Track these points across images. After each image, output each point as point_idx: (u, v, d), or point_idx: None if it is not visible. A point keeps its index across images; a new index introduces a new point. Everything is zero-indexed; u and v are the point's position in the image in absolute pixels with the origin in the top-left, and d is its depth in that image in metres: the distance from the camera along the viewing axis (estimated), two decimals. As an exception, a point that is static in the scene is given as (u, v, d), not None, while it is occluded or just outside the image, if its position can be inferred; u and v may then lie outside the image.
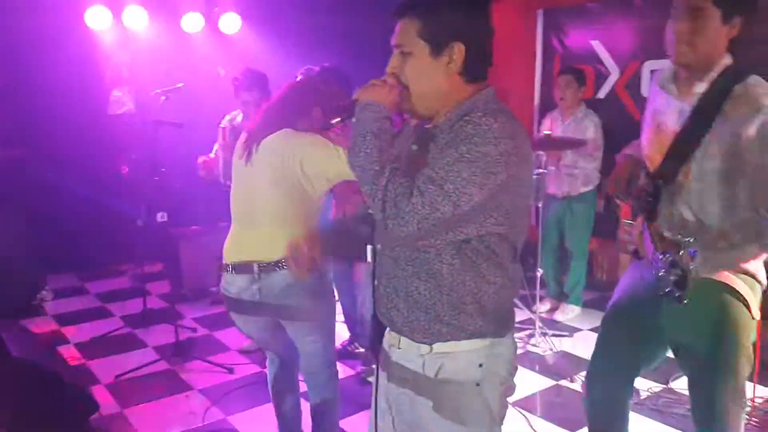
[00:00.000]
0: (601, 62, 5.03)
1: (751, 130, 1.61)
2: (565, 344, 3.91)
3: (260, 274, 2.18)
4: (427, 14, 1.32)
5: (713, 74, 1.70)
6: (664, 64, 4.71)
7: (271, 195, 2.19)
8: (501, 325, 1.41)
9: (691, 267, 1.55)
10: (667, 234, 1.73)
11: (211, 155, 3.28)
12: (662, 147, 1.80)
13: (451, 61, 1.33)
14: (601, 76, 5.03)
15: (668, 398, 3.17)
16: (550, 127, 4.29)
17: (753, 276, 1.77)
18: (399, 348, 1.45)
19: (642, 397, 3.17)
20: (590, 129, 4.07)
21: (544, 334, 3.90)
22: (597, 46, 5.04)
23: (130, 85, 5.44)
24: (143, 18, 5.05)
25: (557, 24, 5.35)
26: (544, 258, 4.35)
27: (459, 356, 1.38)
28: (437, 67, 1.34)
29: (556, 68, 5.18)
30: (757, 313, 1.79)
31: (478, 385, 1.38)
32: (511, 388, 1.47)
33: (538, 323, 3.92)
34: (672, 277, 1.59)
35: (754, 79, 1.67)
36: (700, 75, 1.72)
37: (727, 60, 1.71)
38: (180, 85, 3.97)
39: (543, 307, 4.42)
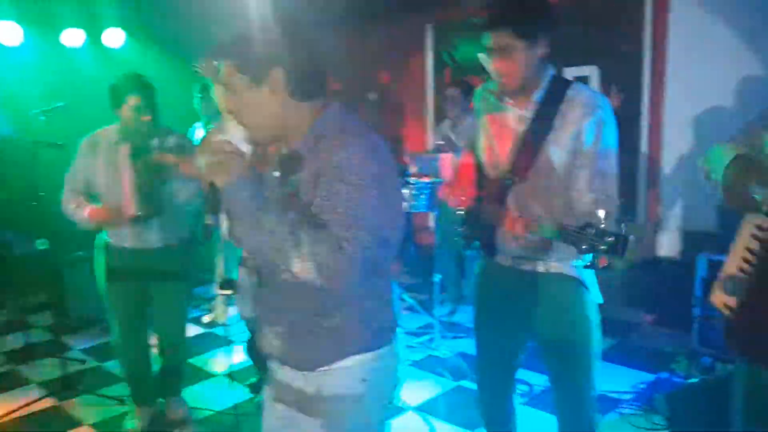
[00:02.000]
0: (489, 75, 5.27)
1: (587, 127, 1.81)
2: (465, 345, 4.04)
3: None
4: (238, 52, 1.31)
5: (544, 83, 1.89)
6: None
7: None
8: (383, 337, 1.42)
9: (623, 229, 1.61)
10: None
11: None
12: (505, 151, 1.94)
13: (274, 87, 1.32)
14: (489, 88, 5.28)
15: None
16: (444, 136, 4.46)
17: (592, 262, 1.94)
18: (281, 368, 1.45)
19: (536, 392, 3.33)
20: (478, 138, 4.26)
21: (444, 337, 4.02)
22: (484, 59, 5.28)
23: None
24: (18, 33, 4.77)
25: (447, 38, 5.57)
26: (443, 263, 4.49)
27: (341, 372, 1.37)
28: (262, 96, 1.32)
29: (447, 81, 5.38)
30: (599, 297, 1.98)
31: (361, 399, 1.39)
32: (391, 399, 1.50)
33: (438, 327, 4.03)
34: (604, 247, 1.59)
35: (579, 85, 1.90)
36: (533, 87, 1.89)
37: (551, 70, 1.91)
38: (61, 104, 3.75)
39: (444, 311, 4.56)
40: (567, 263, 1.91)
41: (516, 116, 1.93)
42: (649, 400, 3.15)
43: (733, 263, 1.55)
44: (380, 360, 1.40)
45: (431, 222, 4.08)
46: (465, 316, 4.53)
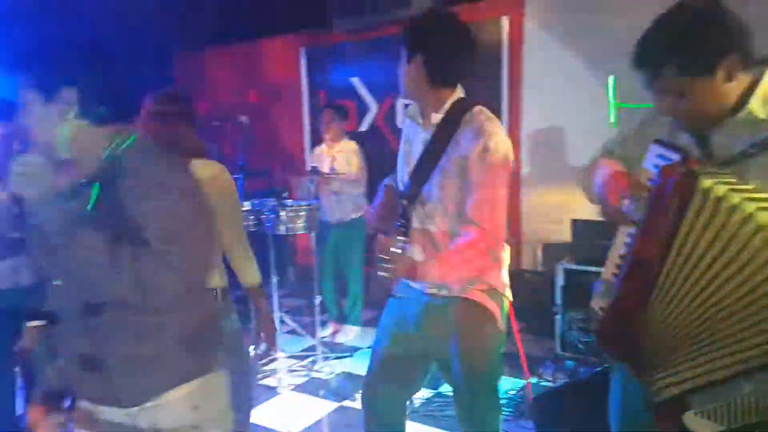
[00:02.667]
0: (360, 97, 5.41)
1: (475, 152, 1.82)
2: (347, 365, 4.06)
3: None
4: (33, 70, 1.27)
5: (446, 106, 1.89)
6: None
7: None
8: (210, 359, 1.39)
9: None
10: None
11: None
12: (409, 172, 1.97)
13: (67, 108, 1.28)
14: (362, 111, 5.41)
15: (439, 402, 3.47)
16: (318, 158, 4.50)
17: (498, 291, 1.96)
18: (107, 409, 1.37)
19: (416, 405, 3.42)
20: (353, 159, 4.34)
21: (327, 358, 4.02)
22: (356, 82, 5.41)
23: None
24: None
25: (320, 61, 5.64)
26: (323, 284, 4.50)
27: (172, 405, 1.33)
28: (52, 115, 1.28)
29: (322, 103, 5.44)
30: (503, 326, 1.99)
31: (198, 428, 1.35)
32: (232, 422, 1.47)
33: (320, 348, 4.02)
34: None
35: (479, 108, 1.90)
36: (436, 108, 1.90)
37: (459, 94, 1.92)
38: None
39: (326, 332, 4.57)
40: (470, 288, 1.91)
41: (422, 138, 1.95)
42: (519, 405, 3.35)
43: (608, 269, 1.58)
44: (211, 384, 1.38)
45: (311, 243, 4.08)
46: (346, 336, 4.57)
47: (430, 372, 2.14)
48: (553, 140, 4.56)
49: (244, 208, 3.64)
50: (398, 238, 1.91)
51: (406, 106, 2.14)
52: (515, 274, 4.70)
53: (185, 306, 1.31)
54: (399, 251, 1.89)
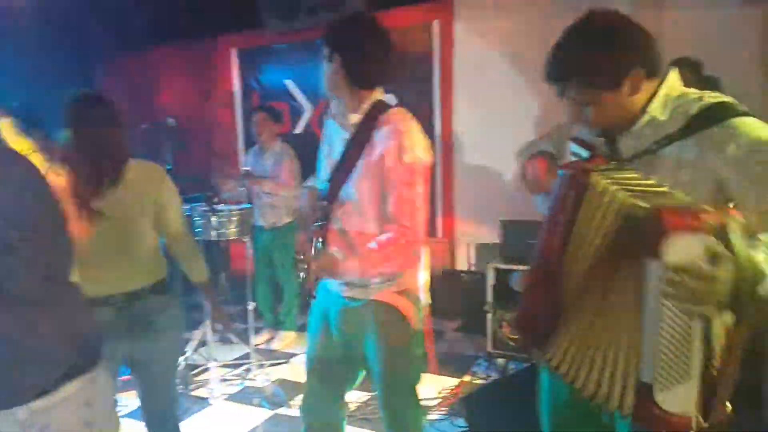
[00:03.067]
0: (295, 99, 5.36)
1: (391, 151, 1.84)
2: (283, 372, 4.01)
3: None
4: None
5: (365, 107, 1.92)
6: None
7: None
8: (94, 354, 1.37)
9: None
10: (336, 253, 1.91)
11: None
12: (330, 172, 1.99)
13: None
14: (297, 113, 5.37)
15: (375, 405, 3.47)
16: (253, 160, 4.42)
17: (412, 292, 1.99)
18: None
19: (351, 409, 3.41)
20: (287, 162, 4.29)
21: (261, 366, 3.95)
22: (290, 84, 5.36)
23: None
24: None
25: (252, 63, 5.55)
26: (257, 289, 4.42)
27: (64, 403, 1.28)
28: None
29: (255, 105, 5.36)
30: (419, 326, 2.00)
31: (91, 425, 1.32)
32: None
33: (255, 355, 3.95)
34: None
35: (396, 109, 1.93)
36: (355, 108, 1.92)
37: (378, 95, 1.94)
38: None
39: (261, 338, 4.49)
40: (384, 289, 1.92)
41: (341, 138, 1.97)
42: (453, 404, 3.40)
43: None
44: (100, 379, 1.35)
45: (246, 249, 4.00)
46: (282, 342, 4.51)
47: (359, 375, 2.15)
48: (485, 142, 4.66)
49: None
50: (315, 238, 1.92)
51: (327, 109, 2.13)
52: (449, 274, 4.81)
53: (48, 300, 1.28)
54: (315, 251, 1.91)
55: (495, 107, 4.54)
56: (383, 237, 1.86)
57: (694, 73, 3.09)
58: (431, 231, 4.95)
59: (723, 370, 1.21)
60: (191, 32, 5.45)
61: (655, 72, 1.39)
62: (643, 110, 1.40)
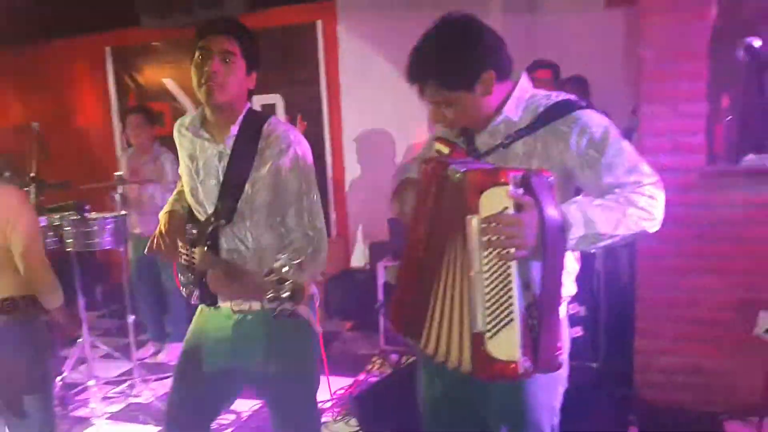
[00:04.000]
0: (176, 99, 5.14)
1: (285, 163, 1.80)
2: (170, 386, 3.84)
3: None
4: None
5: (240, 117, 1.84)
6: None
7: None
8: None
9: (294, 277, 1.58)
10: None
11: None
12: (210, 191, 1.87)
13: None
14: (179, 113, 5.14)
15: (267, 412, 3.41)
16: (129, 165, 4.19)
17: (310, 295, 1.91)
18: None
19: (244, 418, 3.33)
20: (167, 166, 4.11)
21: (146, 381, 3.76)
22: (170, 84, 5.14)
23: None
24: None
25: (128, 62, 5.26)
26: (140, 301, 4.20)
27: None
28: None
29: (131, 105, 5.09)
30: (318, 328, 1.95)
31: None
32: None
33: (138, 370, 3.75)
34: (285, 295, 1.57)
35: (274, 119, 1.89)
36: (232, 119, 1.83)
37: (247, 103, 1.88)
38: None
39: (147, 352, 4.28)
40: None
41: (216, 153, 1.85)
42: (346, 404, 3.40)
43: None
44: None
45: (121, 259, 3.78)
46: (169, 355, 4.31)
47: (238, 390, 2.04)
48: (373, 143, 4.71)
49: (40, 225, 3.26)
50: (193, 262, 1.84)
51: (180, 120, 1.98)
52: (344, 274, 4.82)
53: None
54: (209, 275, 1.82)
55: (383, 107, 4.59)
56: (291, 249, 1.80)
57: (554, 75, 3.29)
58: (326, 231, 4.93)
59: (543, 316, 1.28)
60: (61, 29, 5.08)
61: (506, 74, 1.49)
62: (498, 110, 1.49)
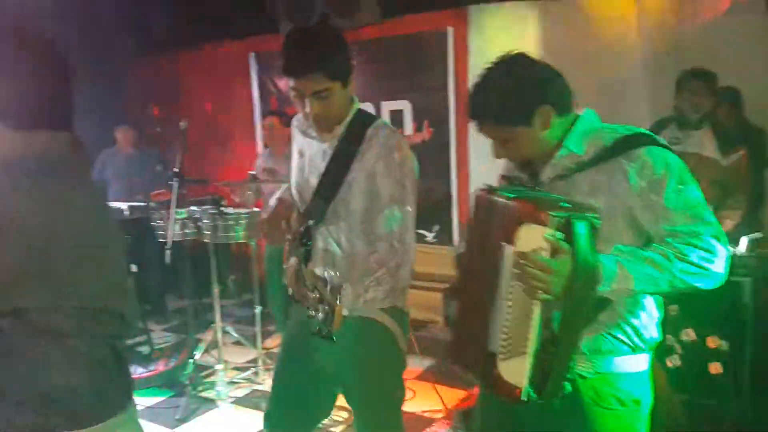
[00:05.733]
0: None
1: (382, 168, 1.80)
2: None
3: None
4: None
5: (348, 119, 1.84)
6: (365, 107, 5.21)
7: None
8: (78, 414, 1.20)
9: (338, 303, 1.59)
10: (318, 272, 1.80)
11: None
12: (310, 188, 1.89)
13: None
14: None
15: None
16: (264, 165, 4.44)
17: (400, 309, 1.88)
18: None
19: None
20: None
21: (269, 370, 3.95)
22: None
23: None
24: None
25: (270, 67, 5.59)
26: (270, 293, 4.43)
27: None
28: None
29: (273, 109, 5.38)
30: (404, 346, 1.93)
31: None
32: None
33: (263, 359, 3.95)
34: (320, 315, 1.62)
35: (380, 123, 1.88)
36: (338, 120, 1.83)
37: (357, 105, 1.88)
38: None
39: (272, 342, 4.50)
40: (371, 306, 1.83)
41: (321, 151, 1.87)
42: (457, 417, 3.34)
43: None
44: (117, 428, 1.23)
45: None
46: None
47: (335, 395, 2.05)
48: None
49: (180, 216, 3.55)
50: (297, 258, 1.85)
51: (296, 116, 2.00)
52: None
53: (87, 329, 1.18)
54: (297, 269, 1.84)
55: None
56: (375, 258, 1.80)
57: (709, 85, 3.00)
58: (447, 240, 4.91)
59: (557, 354, 1.31)
60: (211, 36, 5.52)
61: (565, 107, 1.48)
62: (560, 144, 1.48)
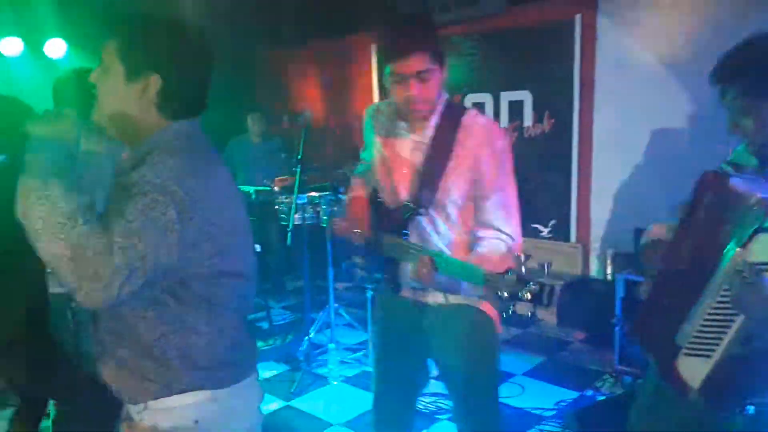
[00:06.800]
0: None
1: (486, 155, 1.79)
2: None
3: None
4: (126, 36, 1.26)
5: (439, 108, 1.83)
6: (484, 97, 5.09)
7: None
8: (223, 376, 1.33)
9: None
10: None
11: None
12: (404, 179, 1.88)
13: (145, 91, 1.25)
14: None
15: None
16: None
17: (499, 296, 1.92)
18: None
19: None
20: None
21: (378, 354, 4.05)
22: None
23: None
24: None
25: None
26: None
27: (172, 412, 1.30)
28: (129, 93, 1.26)
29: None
30: (501, 328, 1.97)
31: None
32: None
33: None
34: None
35: (473, 111, 1.86)
36: (430, 111, 1.81)
37: (444, 94, 1.86)
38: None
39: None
40: (473, 294, 1.85)
41: (412, 142, 1.86)
42: (567, 417, 3.24)
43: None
44: (218, 401, 1.32)
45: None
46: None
47: (428, 379, 2.12)
48: (626, 145, 4.36)
49: (301, 202, 3.74)
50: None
51: (376, 105, 2.01)
52: (580, 282, 4.57)
53: (190, 317, 1.28)
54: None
55: (638, 109, 4.21)
56: (484, 246, 1.78)
57: None
58: (564, 237, 4.75)
59: (742, 372, 1.27)
60: (333, 29, 5.69)
61: None
62: None
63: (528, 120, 4.75)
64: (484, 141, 1.80)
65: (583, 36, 4.44)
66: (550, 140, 4.64)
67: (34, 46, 5.14)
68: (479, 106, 5.01)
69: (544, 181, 4.68)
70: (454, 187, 1.82)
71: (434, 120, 1.83)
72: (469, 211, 1.84)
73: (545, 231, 4.83)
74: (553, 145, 4.62)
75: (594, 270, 4.72)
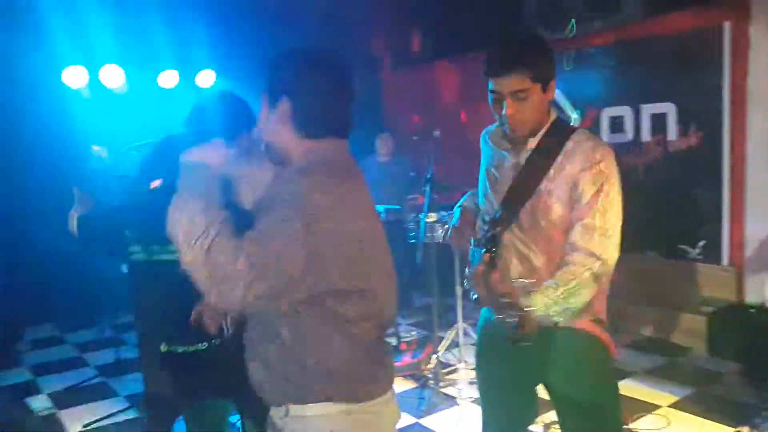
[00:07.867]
0: (561, 109, 5.23)
1: (585, 177, 1.74)
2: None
3: None
4: (268, 68, 1.40)
5: (544, 129, 1.81)
6: (623, 110, 4.90)
7: None
8: (358, 390, 1.36)
9: (529, 308, 1.59)
10: (510, 280, 1.77)
11: None
12: (499, 197, 1.88)
13: (281, 115, 1.37)
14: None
15: None
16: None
17: (603, 321, 1.86)
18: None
19: None
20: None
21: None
22: (556, 94, 5.26)
23: (108, 141, 5.59)
24: (120, 75, 5.29)
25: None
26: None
27: (310, 420, 1.35)
28: (274, 119, 1.38)
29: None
30: (614, 353, 1.88)
31: None
32: None
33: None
34: (510, 320, 1.60)
35: (582, 133, 1.81)
36: (533, 133, 1.81)
37: (552, 115, 1.83)
38: (152, 140, 4.08)
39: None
40: (585, 318, 1.80)
41: (512, 162, 1.87)
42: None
43: None
44: (352, 415, 1.35)
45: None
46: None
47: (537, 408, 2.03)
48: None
49: (431, 219, 3.77)
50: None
51: (487, 128, 2.02)
52: (735, 309, 4.18)
53: (323, 330, 1.34)
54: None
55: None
56: (572, 266, 1.72)
57: None
58: (714, 257, 4.38)
59: None
60: (458, 48, 5.72)
61: None
62: None
63: (672, 134, 4.46)
64: (584, 165, 1.75)
65: (733, 44, 4.10)
66: (698, 154, 4.32)
67: (187, 77, 5.66)
68: (617, 120, 4.80)
69: (692, 198, 4.37)
70: (545, 210, 1.78)
71: (533, 143, 1.82)
72: (558, 231, 1.79)
73: (693, 252, 4.48)
74: (700, 159, 4.31)
75: (749, 295, 4.29)
